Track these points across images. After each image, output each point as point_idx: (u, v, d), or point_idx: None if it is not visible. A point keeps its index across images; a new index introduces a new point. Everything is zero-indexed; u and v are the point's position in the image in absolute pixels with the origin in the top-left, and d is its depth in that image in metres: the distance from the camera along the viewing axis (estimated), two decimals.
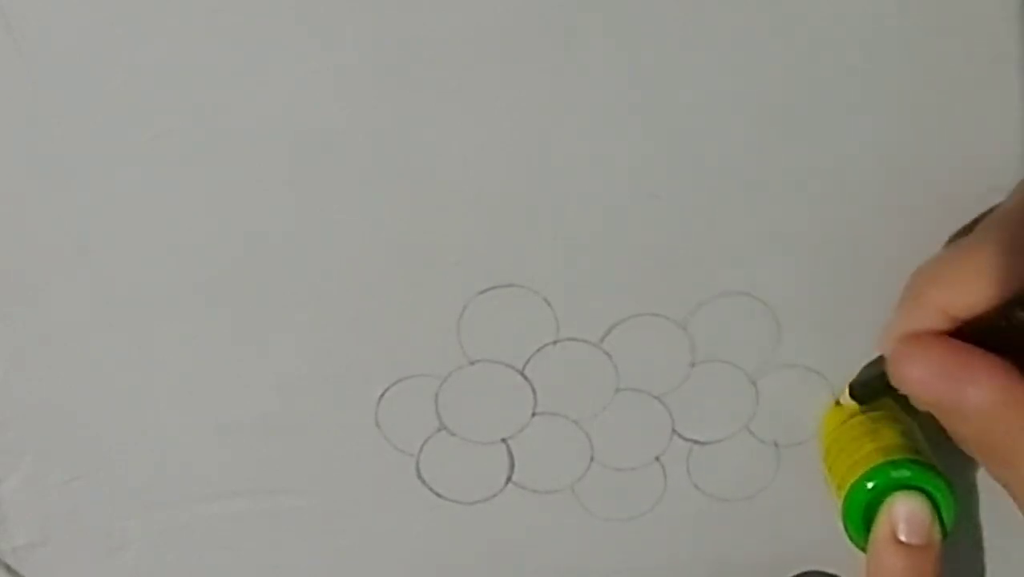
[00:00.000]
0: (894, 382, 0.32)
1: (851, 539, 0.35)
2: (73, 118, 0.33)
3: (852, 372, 0.36)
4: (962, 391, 0.30)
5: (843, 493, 0.34)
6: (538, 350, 0.36)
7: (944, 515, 0.34)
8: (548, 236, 0.34)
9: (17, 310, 0.34)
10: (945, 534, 0.34)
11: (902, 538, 0.33)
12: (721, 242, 0.35)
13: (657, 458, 0.38)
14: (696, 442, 0.37)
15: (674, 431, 0.37)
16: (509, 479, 0.37)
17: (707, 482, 0.38)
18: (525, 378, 0.36)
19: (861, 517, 0.34)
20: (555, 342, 0.36)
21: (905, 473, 0.33)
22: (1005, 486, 0.32)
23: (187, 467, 0.36)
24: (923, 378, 0.31)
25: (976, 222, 0.34)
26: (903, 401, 0.33)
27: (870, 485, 0.34)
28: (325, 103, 0.33)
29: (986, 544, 0.39)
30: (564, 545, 0.38)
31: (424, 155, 0.34)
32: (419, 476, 0.37)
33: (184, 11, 0.32)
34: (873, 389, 0.35)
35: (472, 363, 0.36)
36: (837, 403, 0.37)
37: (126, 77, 0.32)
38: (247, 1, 0.32)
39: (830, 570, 0.39)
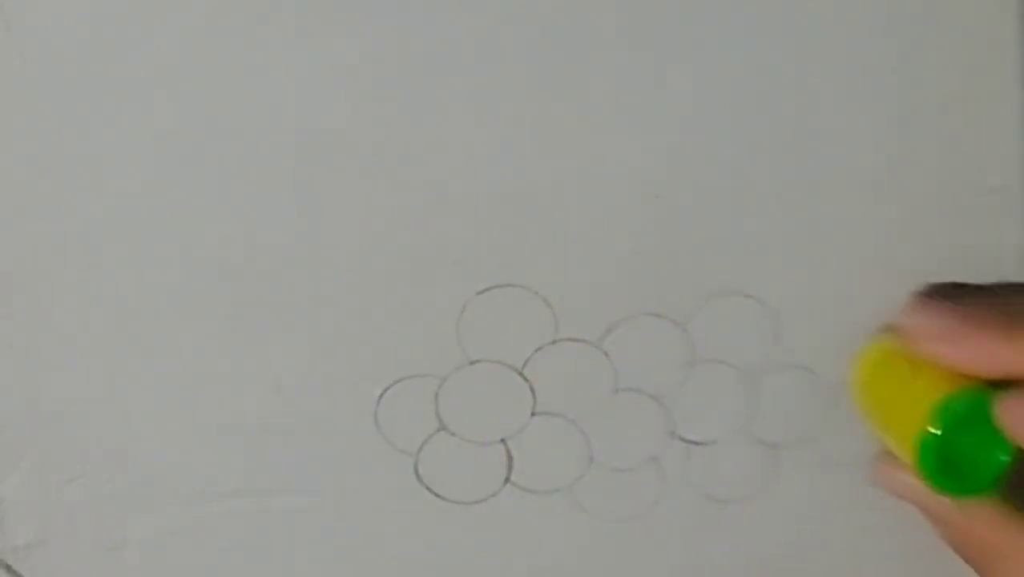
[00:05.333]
0: None
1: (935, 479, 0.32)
2: (73, 118, 0.33)
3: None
4: None
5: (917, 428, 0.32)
6: (537, 350, 0.36)
7: None
8: (548, 236, 0.35)
9: (17, 310, 0.34)
10: None
11: None
12: (721, 242, 0.35)
13: (655, 459, 0.38)
14: (695, 443, 0.37)
15: (672, 432, 0.37)
16: (508, 479, 0.37)
17: (705, 483, 0.38)
18: (524, 378, 0.36)
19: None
20: (554, 342, 0.36)
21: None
22: None
23: (187, 467, 0.36)
24: None
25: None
26: None
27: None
28: (324, 103, 0.33)
29: None
30: (562, 545, 0.38)
31: (424, 155, 0.34)
32: (418, 476, 0.37)
33: (185, 11, 0.32)
34: None
35: (471, 363, 0.36)
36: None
37: (126, 77, 0.32)
38: (248, 1, 0.32)
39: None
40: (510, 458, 0.37)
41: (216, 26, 0.32)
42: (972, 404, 0.31)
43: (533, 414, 0.37)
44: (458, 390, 0.36)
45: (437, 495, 0.37)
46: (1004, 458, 0.32)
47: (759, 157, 0.34)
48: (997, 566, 0.33)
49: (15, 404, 0.35)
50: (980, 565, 0.34)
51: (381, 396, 0.36)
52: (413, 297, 0.35)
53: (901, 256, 0.35)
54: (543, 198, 0.34)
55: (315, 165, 0.34)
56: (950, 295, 0.34)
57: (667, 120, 0.33)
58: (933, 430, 0.32)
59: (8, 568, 0.36)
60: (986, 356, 0.31)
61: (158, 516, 0.36)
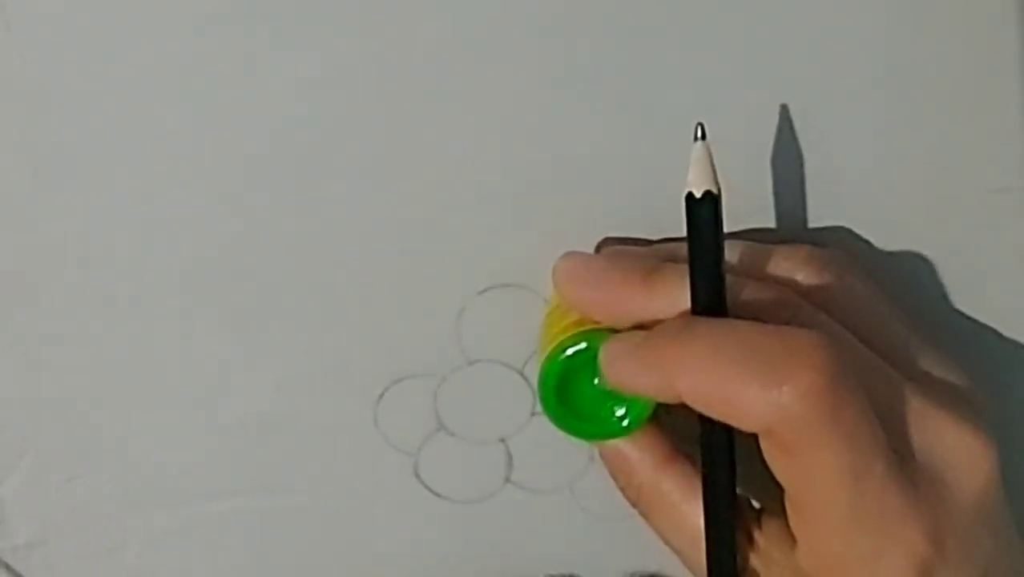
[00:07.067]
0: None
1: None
2: (73, 118, 0.33)
3: None
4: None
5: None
6: None
7: None
8: (548, 236, 0.35)
9: (17, 310, 0.34)
10: None
11: None
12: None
13: None
14: (696, 442, 0.37)
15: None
16: (508, 479, 0.37)
17: None
18: (524, 378, 0.36)
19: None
20: None
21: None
22: None
23: (187, 467, 0.36)
24: None
25: None
26: None
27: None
28: (324, 102, 0.33)
29: None
30: (562, 545, 0.38)
31: (424, 154, 0.34)
32: (417, 476, 0.37)
33: (185, 11, 0.32)
34: None
35: (471, 363, 0.36)
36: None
37: (126, 77, 0.33)
38: (248, 1, 0.32)
39: None
40: (510, 458, 0.37)
41: (216, 26, 0.32)
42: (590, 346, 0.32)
43: (533, 414, 0.37)
44: (458, 390, 0.36)
45: (437, 495, 0.37)
46: (622, 404, 0.33)
47: (759, 158, 0.34)
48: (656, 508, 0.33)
49: (15, 404, 0.35)
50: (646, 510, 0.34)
51: (381, 396, 0.36)
52: (413, 297, 0.35)
53: (904, 258, 0.35)
54: (543, 198, 0.34)
55: (315, 165, 0.34)
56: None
57: (667, 120, 0.33)
58: (552, 357, 0.32)
59: (8, 568, 0.36)
60: (618, 302, 0.32)
61: (158, 516, 0.36)
